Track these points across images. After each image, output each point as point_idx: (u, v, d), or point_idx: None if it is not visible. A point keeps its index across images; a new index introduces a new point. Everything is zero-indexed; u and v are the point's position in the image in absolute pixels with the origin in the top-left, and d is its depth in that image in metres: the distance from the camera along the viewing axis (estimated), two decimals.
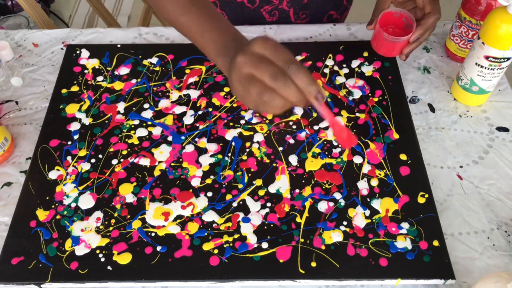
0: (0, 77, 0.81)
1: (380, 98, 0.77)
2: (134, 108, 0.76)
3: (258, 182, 0.67)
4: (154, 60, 0.83)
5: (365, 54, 0.83)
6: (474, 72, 0.73)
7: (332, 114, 0.56)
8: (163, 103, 0.77)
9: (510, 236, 0.64)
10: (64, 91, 0.78)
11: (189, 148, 0.71)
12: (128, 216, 0.64)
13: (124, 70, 0.81)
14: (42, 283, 0.59)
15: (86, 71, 0.81)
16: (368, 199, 0.66)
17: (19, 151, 0.73)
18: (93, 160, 0.70)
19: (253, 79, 0.50)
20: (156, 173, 0.69)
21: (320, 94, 0.51)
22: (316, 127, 0.73)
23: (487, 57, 0.70)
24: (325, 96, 0.52)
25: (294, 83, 0.49)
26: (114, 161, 0.70)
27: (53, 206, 0.65)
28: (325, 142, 0.72)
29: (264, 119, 0.75)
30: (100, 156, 0.70)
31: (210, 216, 0.64)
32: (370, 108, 0.76)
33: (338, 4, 0.95)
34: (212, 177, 0.68)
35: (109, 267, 0.60)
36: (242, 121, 0.74)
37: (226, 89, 0.78)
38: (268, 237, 0.62)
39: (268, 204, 0.65)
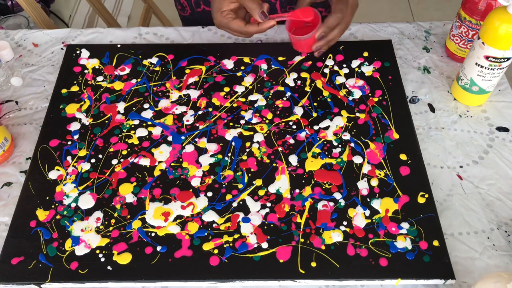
0: (0, 77, 0.81)
1: (380, 98, 0.77)
2: (134, 108, 0.76)
3: (258, 182, 0.67)
4: (154, 60, 0.83)
5: (365, 54, 0.83)
6: (474, 72, 0.73)
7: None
8: (163, 103, 0.77)
9: (510, 236, 0.64)
10: (64, 91, 0.78)
11: (189, 148, 0.71)
12: (128, 216, 0.64)
13: (124, 70, 0.81)
14: (42, 283, 0.59)
15: (86, 71, 0.81)
16: (368, 199, 0.66)
17: (19, 151, 0.73)
18: (93, 160, 0.70)
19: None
20: (156, 173, 0.69)
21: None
22: (316, 127, 0.73)
23: (487, 57, 0.70)
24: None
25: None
26: (114, 161, 0.70)
27: (53, 206, 0.65)
28: (325, 142, 0.72)
29: (264, 119, 0.75)
30: (100, 156, 0.70)
31: (210, 216, 0.64)
32: (370, 108, 0.76)
33: (327, 2, 0.95)
34: (212, 177, 0.68)
35: (109, 267, 0.60)
36: (242, 121, 0.74)
37: (226, 89, 0.78)
38: (268, 237, 0.62)
39: (268, 204, 0.65)
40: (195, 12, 0.97)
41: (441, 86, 0.81)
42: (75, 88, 0.79)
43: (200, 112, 0.76)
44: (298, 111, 0.75)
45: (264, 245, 0.62)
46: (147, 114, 0.75)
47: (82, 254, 0.61)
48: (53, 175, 0.68)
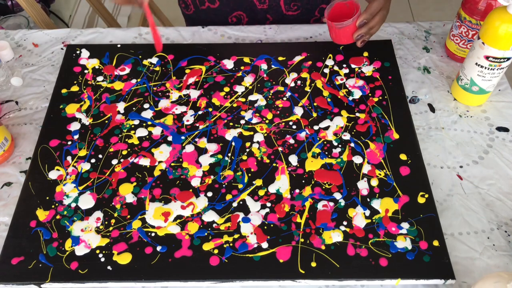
0: (0, 77, 0.81)
1: (380, 98, 0.77)
2: (134, 108, 0.76)
3: (258, 182, 0.67)
4: (154, 60, 0.83)
5: (365, 54, 0.83)
6: (474, 72, 0.73)
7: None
8: (163, 103, 0.77)
9: (510, 236, 0.64)
10: (64, 91, 0.78)
11: (189, 148, 0.71)
12: (128, 216, 0.64)
13: (124, 70, 0.81)
14: (42, 283, 0.59)
15: (86, 71, 0.81)
16: (368, 199, 0.66)
17: (19, 151, 0.73)
18: (93, 160, 0.70)
19: None
20: (156, 173, 0.69)
21: None
22: (316, 127, 0.73)
23: (487, 57, 0.70)
24: None
25: None
26: (114, 161, 0.70)
27: (53, 206, 0.65)
28: (325, 142, 0.72)
29: (264, 119, 0.75)
30: (100, 156, 0.70)
31: (210, 216, 0.64)
32: (370, 108, 0.76)
33: None
34: (212, 177, 0.68)
35: (109, 267, 0.60)
36: (242, 121, 0.74)
37: (226, 89, 0.78)
38: (268, 237, 0.62)
39: (268, 204, 0.65)
40: (199, 10, 0.97)
41: (441, 86, 0.81)
42: (75, 88, 0.79)
43: (200, 112, 0.76)
44: (298, 111, 0.75)
45: (264, 245, 0.62)
46: (147, 114, 0.75)
47: (82, 254, 0.61)
48: (53, 175, 0.68)
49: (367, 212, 0.64)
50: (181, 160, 0.70)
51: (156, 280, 0.60)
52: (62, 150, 0.71)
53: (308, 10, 0.95)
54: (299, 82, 0.79)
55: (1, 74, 0.81)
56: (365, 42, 0.77)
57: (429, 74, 0.83)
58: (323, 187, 0.67)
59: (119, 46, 0.85)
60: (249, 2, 0.93)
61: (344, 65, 0.81)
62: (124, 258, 0.61)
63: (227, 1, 0.93)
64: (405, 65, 0.84)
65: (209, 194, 0.66)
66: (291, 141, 0.72)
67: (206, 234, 0.63)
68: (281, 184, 0.67)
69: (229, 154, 0.71)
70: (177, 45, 0.86)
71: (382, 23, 0.75)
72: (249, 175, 0.68)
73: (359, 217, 0.64)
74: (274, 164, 0.69)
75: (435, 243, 0.62)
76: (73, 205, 0.66)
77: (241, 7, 0.94)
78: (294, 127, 0.74)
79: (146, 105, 0.77)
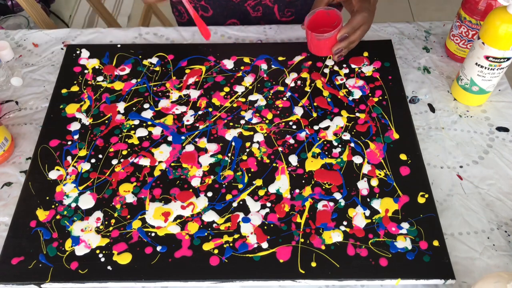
0: (0, 77, 0.81)
1: (380, 98, 0.77)
2: (134, 108, 0.76)
3: (258, 182, 0.67)
4: (154, 60, 0.83)
5: (365, 54, 0.83)
6: (474, 72, 0.73)
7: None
8: (163, 103, 0.77)
9: (510, 236, 0.64)
10: (64, 91, 0.78)
11: (189, 148, 0.71)
12: (128, 216, 0.64)
13: (124, 70, 0.81)
14: (42, 283, 0.59)
15: (86, 71, 0.81)
16: (368, 199, 0.66)
17: (19, 151, 0.73)
18: (93, 160, 0.70)
19: None
20: (156, 173, 0.69)
21: None
22: (316, 127, 0.73)
23: (487, 57, 0.70)
24: None
25: None
26: (114, 161, 0.70)
27: (53, 206, 0.65)
28: (325, 142, 0.72)
29: (264, 119, 0.75)
30: (100, 156, 0.70)
31: (210, 216, 0.64)
32: (370, 108, 0.76)
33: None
34: (212, 177, 0.68)
35: (109, 267, 0.60)
36: (242, 121, 0.74)
37: (226, 89, 0.78)
38: (268, 237, 0.62)
39: (268, 204, 0.65)
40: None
41: (441, 86, 0.81)
42: (75, 88, 0.79)
43: (200, 112, 0.76)
44: (298, 111, 0.75)
45: (264, 245, 0.62)
46: (147, 114, 0.75)
47: (82, 254, 0.61)
48: (53, 175, 0.68)
49: (367, 212, 0.64)
50: (181, 160, 0.70)
51: (156, 280, 0.60)
52: (62, 150, 0.71)
53: (302, 16, 0.95)
54: (299, 82, 0.79)
55: (1, 74, 0.81)
56: (341, 58, 0.72)
57: (429, 74, 0.83)
58: (323, 187, 0.67)
59: (119, 46, 0.85)
60: (243, 10, 0.93)
61: (344, 65, 0.81)
62: (124, 258, 0.61)
63: (221, 10, 0.93)
64: (405, 65, 0.84)
65: (209, 194, 0.66)
66: (291, 141, 0.72)
67: (206, 234, 0.63)
68: (281, 184, 0.67)
69: (229, 154, 0.71)
70: (177, 45, 0.86)
71: (362, 38, 0.72)
72: (249, 175, 0.68)
73: (359, 217, 0.64)
74: (274, 164, 0.69)
75: (435, 243, 0.62)
76: (73, 205, 0.66)
77: (234, 15, 0.94)
78: (294, 127, 0.74)
79: (146, 105, 0.77)
